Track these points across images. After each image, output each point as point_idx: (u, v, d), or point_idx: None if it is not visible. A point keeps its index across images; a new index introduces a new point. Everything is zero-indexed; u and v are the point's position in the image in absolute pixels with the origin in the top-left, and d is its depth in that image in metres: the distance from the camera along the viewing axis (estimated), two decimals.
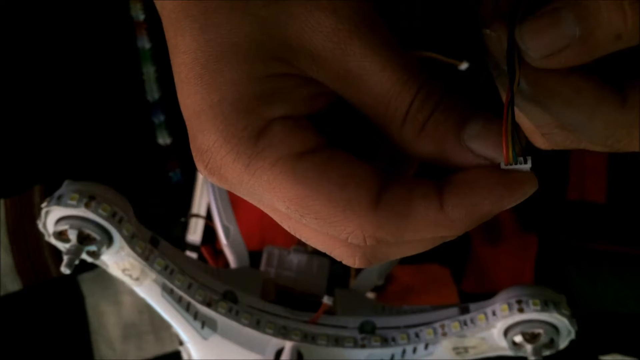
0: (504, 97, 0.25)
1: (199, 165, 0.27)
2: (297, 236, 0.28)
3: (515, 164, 0.25)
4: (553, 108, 0.25)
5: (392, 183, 0.26)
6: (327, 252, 0.28)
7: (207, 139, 0.26)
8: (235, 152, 0.25)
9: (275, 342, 0.48)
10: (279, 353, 0.48)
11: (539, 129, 0.27)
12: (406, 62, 0.25)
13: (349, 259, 0.28)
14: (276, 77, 0.25)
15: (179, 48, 0.25)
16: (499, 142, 0.25)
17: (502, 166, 0.25)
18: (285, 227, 0.28)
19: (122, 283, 0.49)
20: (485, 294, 0.50)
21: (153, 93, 0.75)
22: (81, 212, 0.44)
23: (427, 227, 0.25)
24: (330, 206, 0.25)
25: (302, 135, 0.26)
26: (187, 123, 0.26)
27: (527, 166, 0.25)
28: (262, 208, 0.28)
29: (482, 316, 0.47)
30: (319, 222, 0.26)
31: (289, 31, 0.25)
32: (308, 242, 0.28)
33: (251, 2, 0.25)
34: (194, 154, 0.26)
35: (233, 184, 0.26)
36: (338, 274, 0.62)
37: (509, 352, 0.48)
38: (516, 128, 0.25)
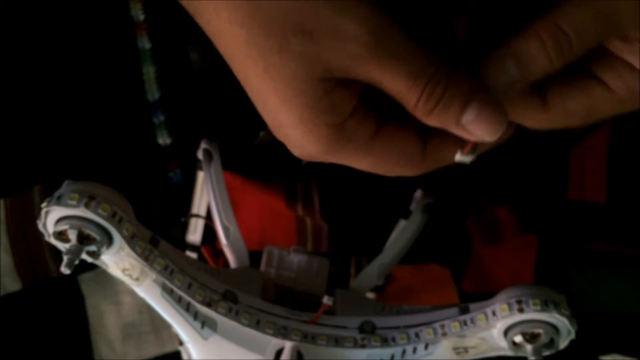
0: None
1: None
2: None
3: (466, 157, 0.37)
4: None
5: (428, 139, 0.38)
6: None
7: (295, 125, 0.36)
8: (319, 144, 0.35)
9: (275, 342, 0.48)
10: (279, 353, 0.48)
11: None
12: (415, 61, 0.34)
13: None
14: (334, 79, 0.35)
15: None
16: (488, 128, 0.34)
17: (458, 155, 0.37)
18: None
19: (122, 283, 0.49)
20: (485, 294, 0.50)
21: (153, 93, 0.75)
22: (81, 212, 0.44)
23: (440, 165, 0.38)
24: (395, 166, 0.37)
25: (368, 121, 0.36)
26: (268, 106, 0.36)
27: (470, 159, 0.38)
28: None
29: (482, 316, 0.47)
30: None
31: (330, 57, 0.33)
32: None
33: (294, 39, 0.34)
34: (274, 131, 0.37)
35: (311, 157, 0.37)
36: (338, 274, 0.61)
37: (509, 352, 0.48)
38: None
